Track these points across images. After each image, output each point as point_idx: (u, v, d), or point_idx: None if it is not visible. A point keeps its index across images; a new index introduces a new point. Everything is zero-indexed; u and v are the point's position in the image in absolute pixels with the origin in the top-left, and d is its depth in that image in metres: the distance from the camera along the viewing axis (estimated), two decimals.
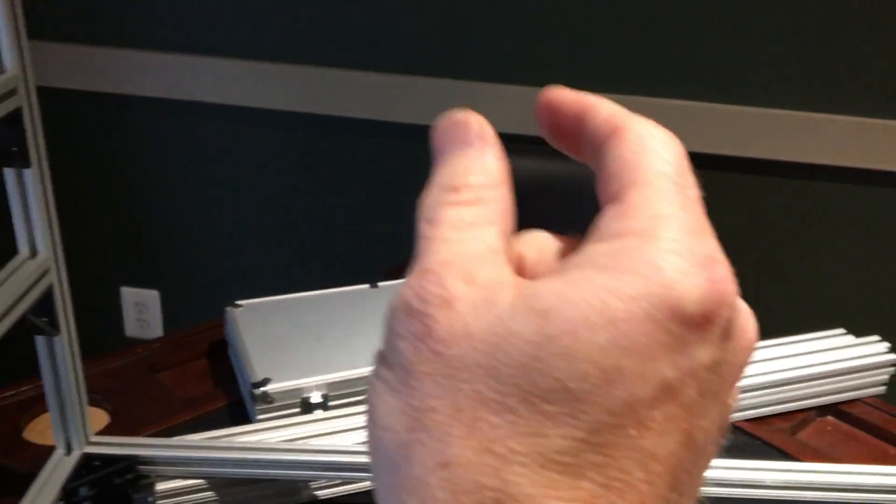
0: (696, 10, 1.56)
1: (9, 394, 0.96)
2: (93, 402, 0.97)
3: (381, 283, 1.11)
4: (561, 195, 1.50)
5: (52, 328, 0.71)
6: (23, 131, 0.64)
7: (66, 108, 1.87)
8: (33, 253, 0.69)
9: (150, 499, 0.78)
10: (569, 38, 1.61)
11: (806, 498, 0.78)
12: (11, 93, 0.62)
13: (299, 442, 0.83)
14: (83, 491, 0.76)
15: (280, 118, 1.78)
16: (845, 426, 0.99)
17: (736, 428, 0.96)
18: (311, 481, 0.82)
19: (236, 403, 0.97)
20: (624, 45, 1.60)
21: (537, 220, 1.49)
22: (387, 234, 1.84)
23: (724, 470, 0.78)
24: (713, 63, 1.58)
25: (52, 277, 0.70)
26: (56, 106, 1.87)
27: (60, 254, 0.71)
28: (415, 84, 1.67)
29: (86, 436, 0.78)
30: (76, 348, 0.74)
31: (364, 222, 1.85)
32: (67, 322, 0.73)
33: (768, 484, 0.77)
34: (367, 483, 0.85)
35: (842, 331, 1.06)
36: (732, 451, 0.88)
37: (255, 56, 1.74)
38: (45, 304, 0.70)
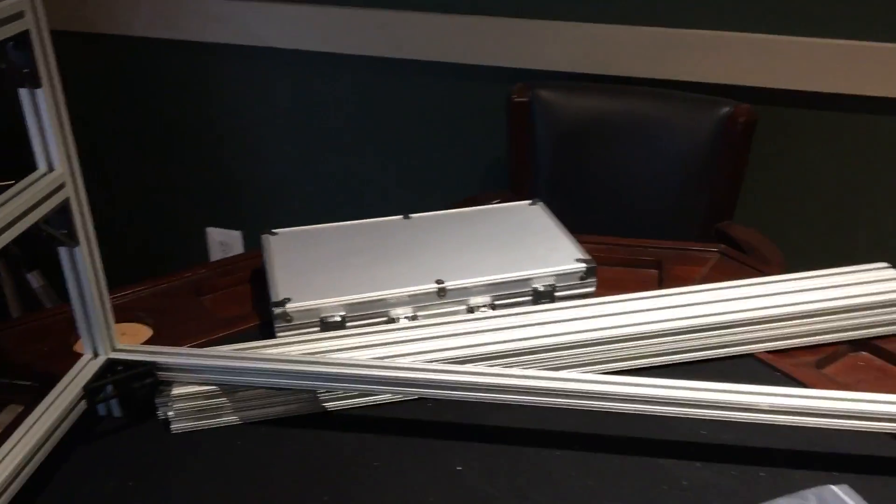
0: None
1: (60, 313, 1.04)
2: (137, 319, 1.05)
3: (413, 215, 1.14)
4: (613, 132, 1.48)
5: (71, 240, 0.77)
6: (32, 52, 0.69)
7: (152, 56, 1.97)
8: (50, 168, 0.74)
9: (168, 402, 0.84)
10: None
11: (805, 423, 0.76)
12: (18, 15, 0.67)
13: (313, 356, 0.87)
14: (108, 390, 0.83)
15: (348, 61, 1.82)
16: (879, 361, 0.95)
17: (756, 359, 0.94)
18: (316, 391, 0.86)
19: (268, 324, 1.03)
20: None
21: (591, 157, 1.52)
22: (453, 164, 1.87)
23: (721, 393, 0.77)
24: None
25: (68, 191, 0.75)
26: (141, 54, 1.98)
27: (78, 170, 0.76)
28: (469, 23, 1.66)
29: (111, 343, 0.85)
30: (97, 259, 0.80)
31: (430, 156, 1.87)
32: (87, 234, 0.79)
33: (764, 408, 0.76)
34: (379, 397, 0.89)
35: (884, 264, 1.01)
36: (746, 380, 0.86)
37: (331, 1, 1.77)
38: (62, 217, 0.76)
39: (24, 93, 0.71)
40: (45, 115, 0.72)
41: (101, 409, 0.86)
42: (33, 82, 0.70)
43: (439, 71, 1.75)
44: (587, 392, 0.79)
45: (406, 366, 0.83)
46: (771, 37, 1.50)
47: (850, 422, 0.76)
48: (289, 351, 0.88)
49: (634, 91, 1.49)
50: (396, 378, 0.82)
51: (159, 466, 0.80)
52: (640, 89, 1.49)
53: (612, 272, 1.14)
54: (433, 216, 1.14)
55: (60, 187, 0.74)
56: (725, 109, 1.41)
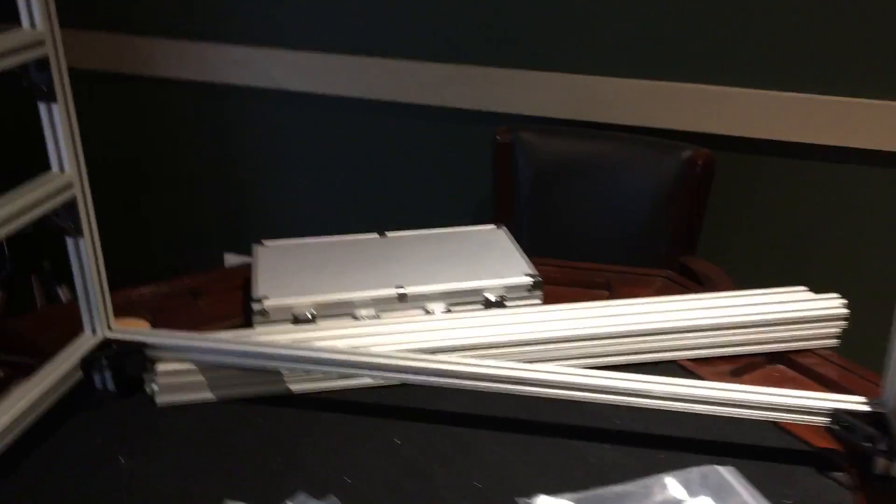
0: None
1: (75, 307, 1.18)
2: (138, 314, 1.19)
3: (388, 233, 1.27)
4: (587, 171, 1.61)
5: (77, 232, 0.92)
6: (50, 74, 0.84)
7: (181, 95, 2.15)
8: (62, 170, 0.89)
9: (154, 378, 0.97)
10: (591, 28, 1.71)
11: (700, 410, 0.87)
12: (40, 43, 0.83)
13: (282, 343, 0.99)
14: (102, 364, 0.96)
15: (353, 104, 1.98)
16: (792, 373, 1.05)
17: (678, 366, 1.05)
18: (282, 375, 0.98)
19: (251, 322, 1.16)
20: (648, 32, 1.68)
21: (567, 193, 1.71)
22: (444, 198, 2.00)
23: (629, 382, 0.88)
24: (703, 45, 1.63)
25: (76, 190, 0.90)
26: (167, 94, 2.16)
27: (84, 173, 0.91)
28: (459, 71, 1.82)
29: (108, 324, 0.99)
30: (98, 250, 0.94)
31: (423, 191, 2.02)
32: (90, 228, 0.93)
33: (656, 394, 0.87)
34: (337, 383, 1.01)
35: (803, 288, 1.12)
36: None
37: (339, 50, 1.94)
38: (70, 212, 0.91)
39: (42, 106, 0.87)
40: (58, 125, 0.87)
41: (98, 383, 0.99)
42: (51, 97, 0.85)
43: (433, 114, 1.90)
44: (520, 378, 0.90)
45: (370, 352, 0.95)
46: (728, 89, 1.63)
47: (739, 410, 0.86)
48: (263, 339, 1.01)
49: (605, 135, 1.62)
50: (358, 361, 0.94)
51: (142, 432, 0.93)
52: (610, 133, 1.62)
53: (566, 292, 1.26)
54: (406, 235, 1.27)
55: (69, 186, 0.89)
56: (686, 153, 1.53)
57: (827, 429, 0.85)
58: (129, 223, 2.37)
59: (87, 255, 0.92)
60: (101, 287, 0.96)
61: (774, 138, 1.64)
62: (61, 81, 0.86)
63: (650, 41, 1.68)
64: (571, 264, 1.31)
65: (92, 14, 2.16)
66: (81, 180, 0.91)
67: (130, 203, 2.34)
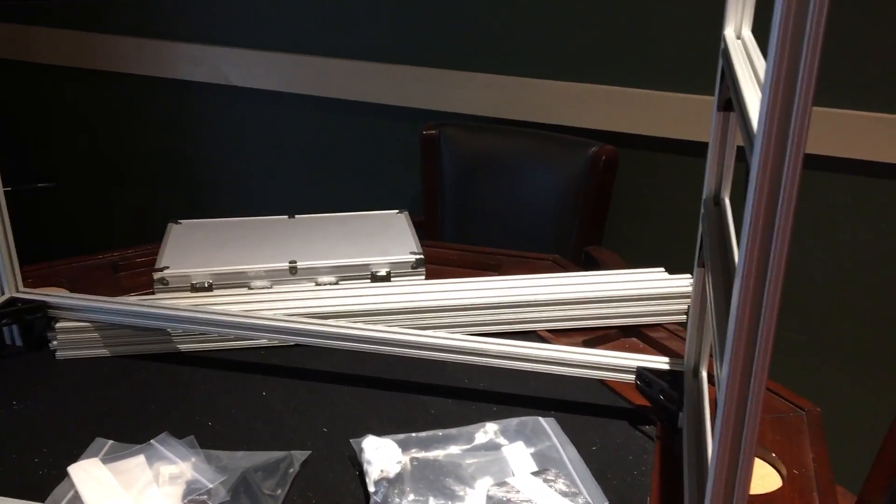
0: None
1: None
2: (59, 284, 1.30)
3: (297, 215, 1.37)
4: (504, 165, 1.71)
5: None
6: None
7: (140, 91, 2.28)
8: None
9: (55, 334, 1.07)
10: (511, 34, 1.82)
11: (530, 368, 0.96)
12: None
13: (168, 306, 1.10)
14: (5, 321, 1.07)
15: (294, 99, 2.10)
16: (643, 345, 1.15)
17: (538, 335, 1.14)
18: (165, 331, 1.08)
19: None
20: (562, 39, 1.78)
21: (486, 184, 1.87)
22: (375, 188, 2.11)
23: (471, 342, 0.98)
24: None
25: None
26: (129, 89, 2.29)
27: None
28: (392, 70, 1.94)
29: (16, 285, 1.09)
30: (6, 218, 1.05)
31: (357, 179, 2.14)
32: None
33: (493, 353, 0.97)
34: (222, 344, 1.11)
35: (661, 269, 1.21)
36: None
37: (283, 48, 2.06)
38: None
39: None
40: None
41: (7, 339, 1.10)
42: None
43: (367, 110, 2.02)
44: (384, 339, 1.00)
45: (258, 315, 1.05)
46: (631, 90, 1.73)
47: (558, 367, 0.96)
48: (156, 302, 1.11)
49: (521, 132, 1.72)
50: (245, 323, 1.04)
51: (38, 381, 1.03)
52: (525, 130, 1.73)
53: (459, 272, 1.36)
54: (313, 217, 1.37)
55: None
56: (592, 149, 1.63)
57: (636, 385, 0.95)
58: (91, 206, 2.51)
59: None
60: (9, 251, 1.06)
61: (673, 137, 1.73)
62: None
63: (563, 46, 1.79)
64: (469, 248, 1.41)
65: (60, 13, 2.29)
66: None
67: (93, 188, 2.48)
